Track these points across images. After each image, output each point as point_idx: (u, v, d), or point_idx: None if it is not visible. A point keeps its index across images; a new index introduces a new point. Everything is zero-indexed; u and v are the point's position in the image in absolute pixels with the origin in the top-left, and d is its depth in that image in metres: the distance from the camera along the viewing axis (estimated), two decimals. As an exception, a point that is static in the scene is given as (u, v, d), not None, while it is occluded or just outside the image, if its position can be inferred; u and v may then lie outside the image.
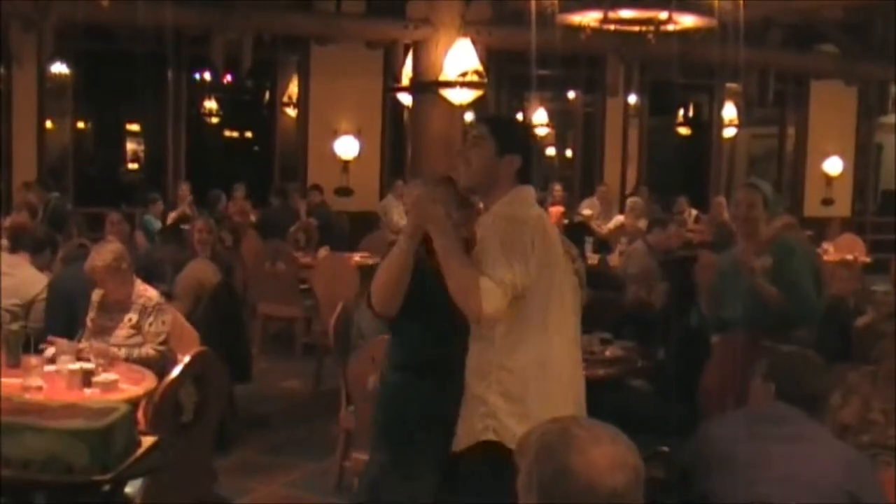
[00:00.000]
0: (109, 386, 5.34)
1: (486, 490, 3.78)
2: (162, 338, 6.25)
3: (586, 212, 14.67)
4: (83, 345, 5.91)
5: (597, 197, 15.58)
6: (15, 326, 6.12)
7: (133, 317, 6.27)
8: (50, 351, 5.84)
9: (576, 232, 11.99)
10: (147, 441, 4.31)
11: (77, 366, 5.45)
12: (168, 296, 6.93)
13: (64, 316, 6.66)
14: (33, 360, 5.75)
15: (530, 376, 3.85)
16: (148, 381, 5.59)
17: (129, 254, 6.55)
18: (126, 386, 5.46)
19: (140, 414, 5.19)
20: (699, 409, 5.66)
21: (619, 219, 13.16)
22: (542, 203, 15.18)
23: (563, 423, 2.30)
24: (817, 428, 3.64)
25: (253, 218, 14.01)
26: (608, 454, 2.20)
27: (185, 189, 14.13)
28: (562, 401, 3.85)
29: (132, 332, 6.24)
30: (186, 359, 5.59)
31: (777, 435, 3.58)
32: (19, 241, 7.44)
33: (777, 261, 5.65)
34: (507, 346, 3.86)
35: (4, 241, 7.71)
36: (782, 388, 3.74)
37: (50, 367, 5.66)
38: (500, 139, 4.00)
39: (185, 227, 10.24)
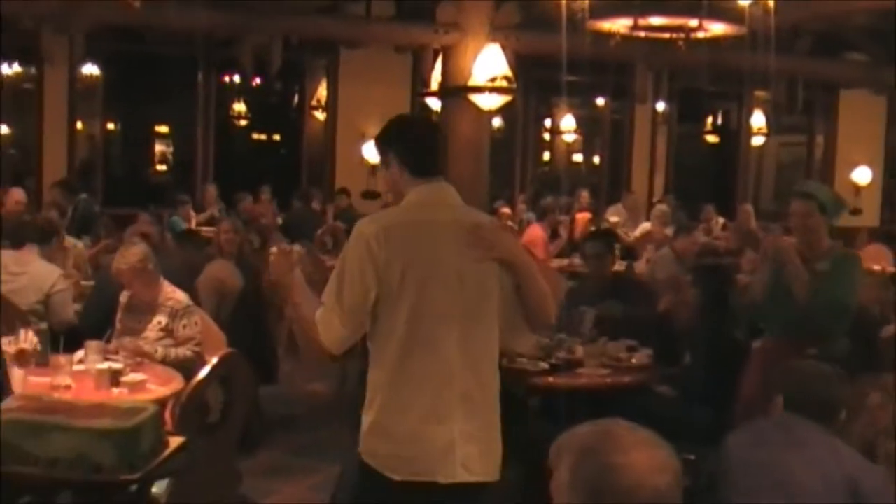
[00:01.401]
0: (137, 386, 5.37)
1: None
2: (196, 339, 6.28)
3: (613, 219, 14.66)
4: (112, 344, 5.94)
5: (623, 204, 15.57)
6: (43, 326, 6.16)
7: (162, 320, 6.29)
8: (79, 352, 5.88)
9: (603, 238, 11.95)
10: (174, 441, 4.34)
11: (105, 365, 5.48)
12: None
13: (99, 315, 6.70)
14: (62, 358, 5.78)
15: (379, 394, 3.66)
16: (175, 382, 5.62)
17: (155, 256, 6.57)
18: (153, 386, 5.48)
19: (167, 414, 5.21)
20: (731, 417, 5.64)
21: (645, 226, 13.13)
22: (569, 209, 15.28)
23: (604, 425, 2.29)
24: (823, 435, 3.65)
25: (279, 220, 14.06)
26: (651, 456, 2.20)
27: (211, 191, 14.19)
28: (423, 417, 3.58)
29: (161, 334, 6.27)
30: (213, 360, 5.62)
31: (783, 441, 3.59)
32: (24, 235, 7.43)
33: (834, 270, 5.61)
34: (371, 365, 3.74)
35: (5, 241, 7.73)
36: (790, 398, 3.75)
37: (79, 367, 5.69)
38: (380, 149, 3.87)
39: (211, 229, 10.28)
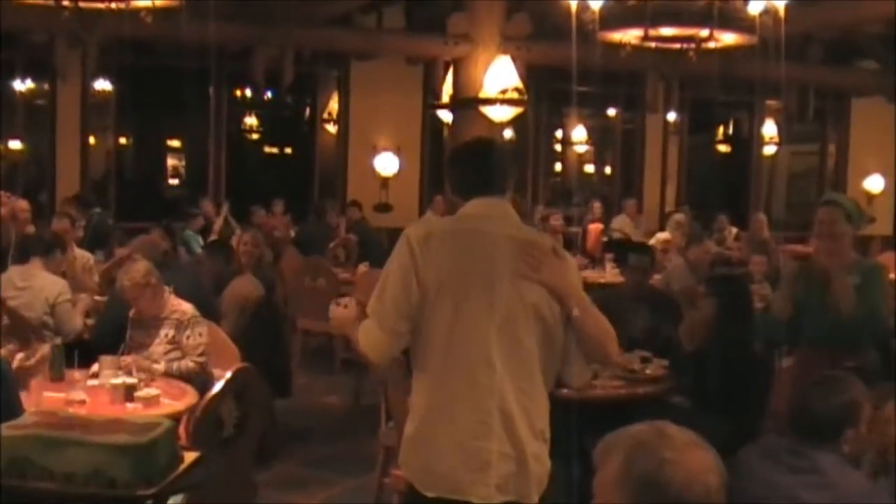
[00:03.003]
0: (151, 401, 5.38)
1: None
2: (201, 349, 6.28)
3: (626, 230, 14.67)
4: (126, 359, 5.95)
5: (626, 213, 15.60)
6: (57, 341, 6.18)
7: (169, 332, 6.31)
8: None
9: (618, 249, 11.96)
10: (190, 456, 4.34)
11: (120, 380, 5.50)
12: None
13: (112, 329, 6.72)
14: (76, 374, 5.81)
15: (418, 406, 3.64)
16: (189, 397, 5.63)
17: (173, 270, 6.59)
18: (168, 401, 5.49)
19: (181, 429, 5.22)
20: (747, 428, 5.63)
21: (659, 236, 13.12)
22: (581, 220, 15.28)
23: (655, 424, 2.29)
24: (832, 460, 3.63)
25: (292, 233, 14.08)
26: (701, 456, 2.20)
27: (207, 206, 14.21)
28: (460, 433, 3.53)
29: (169, 346, 6.28)
30: (228, 374, 5.64)
31: (791, 465, 3.58)
32: (28, 249, 7.49)
33: (865, 282, 5.61)
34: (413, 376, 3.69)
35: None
36: (794, 421, 3.75)
37: (93, 382, 5.71)
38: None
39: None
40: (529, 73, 13.10)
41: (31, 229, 9.39)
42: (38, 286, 7.24)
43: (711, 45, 9.56)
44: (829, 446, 3.65)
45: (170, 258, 9.22)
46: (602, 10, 9.19)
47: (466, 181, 3.73)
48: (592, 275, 11.04)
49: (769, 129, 18.97)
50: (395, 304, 3.53)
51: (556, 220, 13.49)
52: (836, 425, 3.73)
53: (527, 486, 3.57)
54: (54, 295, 7.20)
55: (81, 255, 9.30)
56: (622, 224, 15.31)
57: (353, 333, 3.83)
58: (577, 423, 4.53)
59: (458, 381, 3.52)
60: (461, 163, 3.83)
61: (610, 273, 11.15)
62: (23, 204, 10.51)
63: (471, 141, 4.18)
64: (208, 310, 6.98)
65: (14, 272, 7.35)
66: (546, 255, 3.62)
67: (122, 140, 17.40)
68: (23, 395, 4.85)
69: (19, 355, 5.73)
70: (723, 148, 22.12)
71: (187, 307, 6.43)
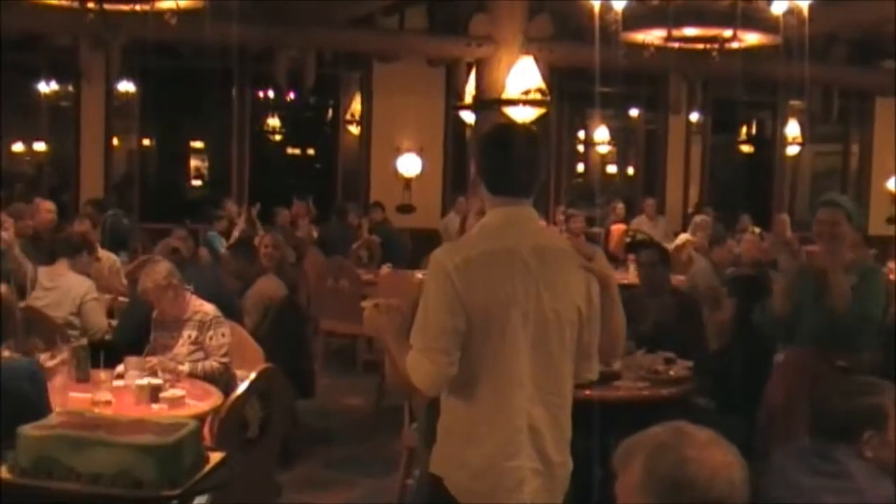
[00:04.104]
0: (176, 401, 5.40)
1: None
2: (224, 350, 6.29)
3: (644, 230, 14.65)
4: (151, 360, 5.98)
5: (644, 212, 15.58)
6: (83, 342, 6.21)
7: (192, 333, 6.32)
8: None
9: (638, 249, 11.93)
10: (215, 457, 4.36)
11: (145, 381, 5.52)
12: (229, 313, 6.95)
13: (135, 330, 6.75)
14: (102, 374, 5.83)
15: (454, 422, 3.58)
16: (214, 398, 5.65)
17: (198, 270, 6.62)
18: (192, 402, 5.51)
19: (206, 429, 5.24)
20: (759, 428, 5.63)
21: (683, 236, 13.09)
22: (603, 221, 15.26)
23: (674, 424, 2.29)
24: (857, 464, 3.61)
25: (315, 234, 14.10)
26: (723, 452, 2.21)
27: (230, 206, 14.25)
28: (495, 451, 3.49)
29: (192, 347, 6.29)
30: (252, 375, 5.66)
31: (817, 469, 3.57)
32: (55, 251, 7.56)
33: (862, 283, 5.61)
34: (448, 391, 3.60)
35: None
36: (815, 422, 3.73)
37: (118, 382, 5.73)
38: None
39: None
40: (552, 74, 13.09)
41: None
42: (65, 286, 7.29)
43: (735, 45, 9.55)
44: (852, 449, 3.63)
45: (191, 259, 9.25)
46: (625, 10, 9.19)
47: (498, 175, 3.59)
48: (615, 275, 11.00)
49: (792, 129, 18.89)
50: (446, 338, 3.44)
51: (578, 222, 13.45)
52: (857, 426, 3.71)
53: (555, 493, 3.59)
54: (81, 294, 7.27)
55: (107, 258, 9.36)
56: (640, 224, 15.29)
57: (388, 341, 3.73)
58: (598, 425, 4.53)
59: (490, 405, 3.49)
60: (498, 151, 3.65)
61: (633, 274, 11.12)
62: (48, 205, 10.59)
63: (510, 127, 4.07)
64: (231, 310, 7.00)
65: (41, 273, 7.41)
66: (572, 259, 3.59)
67: (146, 141, 17.47)
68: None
69: (44, 355, 5.76)
70: (746, 148, 22.04)
71: (209, 308, 6.44)
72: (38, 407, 4.57)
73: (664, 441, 2.24)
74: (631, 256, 11.90)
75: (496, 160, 3.61)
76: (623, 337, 3.77)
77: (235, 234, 12.66)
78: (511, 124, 4.00)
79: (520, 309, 3.46)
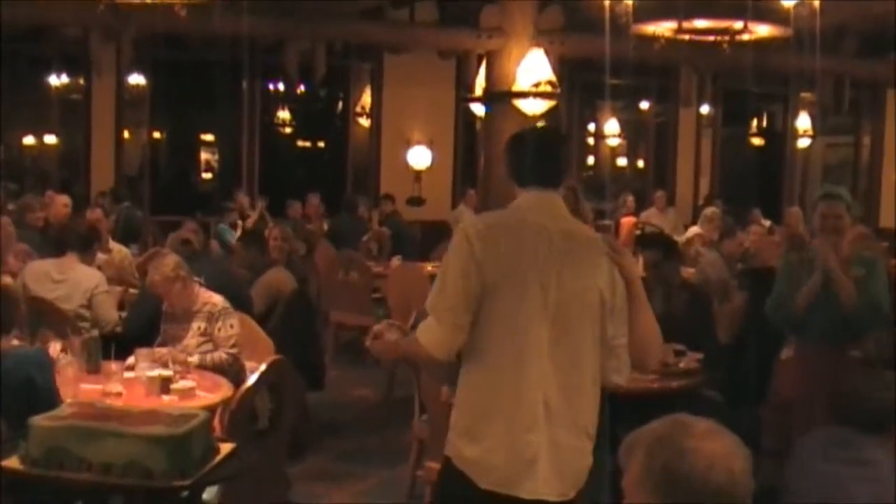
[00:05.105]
0: (187, 393, 5.41)
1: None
2: (233, 341, 6.30)
3: (654, 222, 14.63)
4: (162, 351, 5.99)
5: (655, 206, 15.56)
6: (94, 333, 6.23)
7: (201, 325, 6.33)
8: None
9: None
10: (225, 448, 4.37)
11: (156, 373, 5.53)
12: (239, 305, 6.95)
13: (145, 322, 6.77)
14: (113, 366, 5.85)
15: (468, 397, 3.62)
16: (224, 389, 5.66)
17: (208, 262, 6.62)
18: (203, 393, 5.52)
19: (216, 421, 5.26)
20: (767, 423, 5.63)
21: (693, 229, 13.07)
22: (614, 214, 15.23)
23: (673, 417, 2.27)
24: (882, 452, 3.61)
25: (325, 227, 14.11)
26: (723, 442, 2.19)
27: (242, 199, 14.27)
28: (510, 425, 3.52)
29: (202, 339, 6.31)
30: (262, 367, 5.66)
31: (842, 457, 3.56)
32: (65, 243, 7.57)
33: (869, 274, 5.61)
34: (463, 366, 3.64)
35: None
36: (840, 411, 3.72)
37: (129, 374, 5.75)
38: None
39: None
40: (562, 67, 13.06)
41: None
42: (75, 279, 7.31)
43: (745, 37, 9.52)
44: (879, 440, 3.63)
45: (202, 252, 9.26)
46: (635, 2, 9.17)
47: (526, 169, 3.70)
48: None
49: (803, 121, 18.84)
50: (457, 299, 3.51)
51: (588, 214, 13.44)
52: (886, 419, 3.72)
53: (566, 483, 3.55)
54: (91, 287, 7.29)
55: (119, 250, 9.39)
56: (651, 216, 15.27)
57: (403, 351, 3.88)
58: (609, 416, 4.53)
59: (509, 375, 3.50)
60: (525, 149, 3.78)
61: (643, 266, 11.10)
62: (63, 198, 10.62)
63: (539, 128, 4.19)
64: (241, 302, 7.01)
65: (51, 265, 7.43)
66: (600, 248, 3.60)
67: (156, 134, 17.48)
68: (59, 387, 4.89)
69: (55, 347, 5.78)
70: (756, 141, 21.99)
71: (218, 299, 6.45)
72: (47, 393, 4.60)
73: (662, 434, 2.22)
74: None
75: (523, 159, 3.74)
76: (656, 342, 3.72)
77: (247, 225, 12.69)
78: (536, 126, 4.15)
79: (538, 280, 3.50)
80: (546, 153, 3.75)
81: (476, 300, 3.50)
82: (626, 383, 3.72)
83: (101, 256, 8.63)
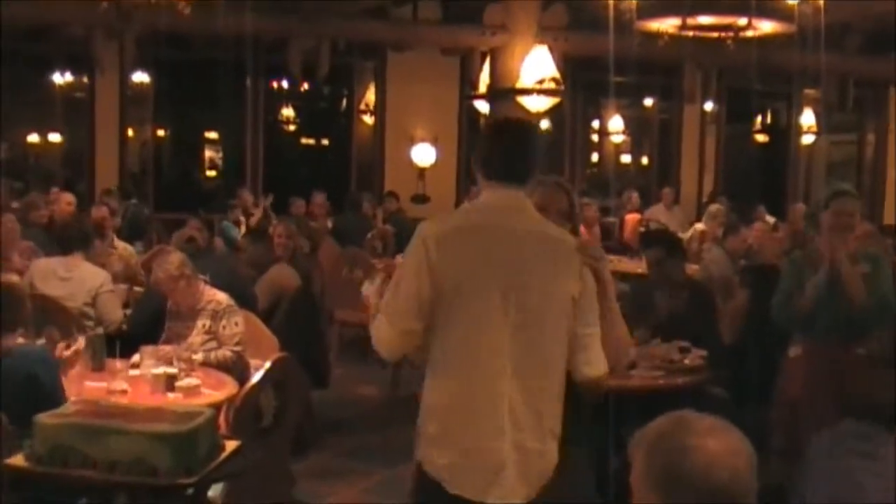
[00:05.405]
0: (192, 391, 5.41)
1: None
2: (237, 338, 6.30)
3: (660, 219, 14.62)
4: (166, 349, 5.99)
5: (662, 202, 15.55)
6: (99, 331, 6.23)
7: (206, 322, 6.33)
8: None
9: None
10: (230, 445, 4.38)
11: (161, 370, 5.53)
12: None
13: (150, 319, 6.77)
14: (118, 363, 5.85)
15: (435, 404, 3.56)
16: (229, 387, 5.66)
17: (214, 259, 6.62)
18: (208, 391, 5.52)
19: (221, 418, 5.26)
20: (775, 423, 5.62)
21: (697, 226, 13.08)
22: (619, 211, 15.24)
23: (676, 414, 2.25)
24: (890, 445, 3.60)
25: (329, 224, 14.10)
26: (726, 440, 2.16)
27: (246, 196, 14.26)
28: (476, 431, 3.47)
29: (206, 337, 6.31)
30: (267, 364, 5.67)
31: (855, 452, 3.56)
32: (69, 242, 7.57)
33: (875, 270, 5.60)
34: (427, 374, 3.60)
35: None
36: (853, 405, 3.71)
37: (134, 372, 5.75)
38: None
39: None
40: (566, 64, 13.07)
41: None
42: (79, 277, 7.32)
43: (749, 34, 9.52)
44: (892, 436, 3.62)
45: (207, 249, 9.26)
46: (639, -1, 9.18)
47: (492, 162, 3.59)
48: (630, 265, 10.99)
49: (807, 118, 18.82)
50: (408, 303, 3.45)
51: (592, 211, 13.41)
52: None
53: (529, 485, 3.49)
54: (97, 285, 7.28)
55: (124, 248, 9.39)
56: (657, 213, 15.26)
57: None
58: (614, 415, 4.52)
59: (473, 382, 3.45)
60: (492, 140, 3.69)
61: (647, 263, 11.09)
62: (68, 196, 10.63)
63: (508, 120, 4.10)
64: (245, 299, 7.01)
65: (57, 263, 7.44)
66: (569, 249, 3.55)
67: (160, 132, 17.48)
68: (64, 385, 4.89)
69: (60, 345, 5.78)
70: (761, 138, 21.96)
71: (222, 297, 6.44)
72: (52, 391, 4.61)
73: (664, 431, 2.20)
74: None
75: (492, 149, 3.62)
76: (622, 345, 3.73)
77: (251, 223, 12.69)
78: (509, 117, 4.04)
79: (501, 285, 3.42)
80: (514, 146, 3.61)
81: (429, 306, 3.43)
82: (599, 374, 3.61)
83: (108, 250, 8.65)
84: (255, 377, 5.65)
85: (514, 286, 3.43)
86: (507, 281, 3.43)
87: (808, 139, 19.24)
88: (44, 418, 4.10)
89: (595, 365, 3.58)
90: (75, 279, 7.29)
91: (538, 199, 3.80)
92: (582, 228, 12.67)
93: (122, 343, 6.12)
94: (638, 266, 11.15)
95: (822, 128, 19.06)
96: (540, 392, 3.49)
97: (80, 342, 5.85)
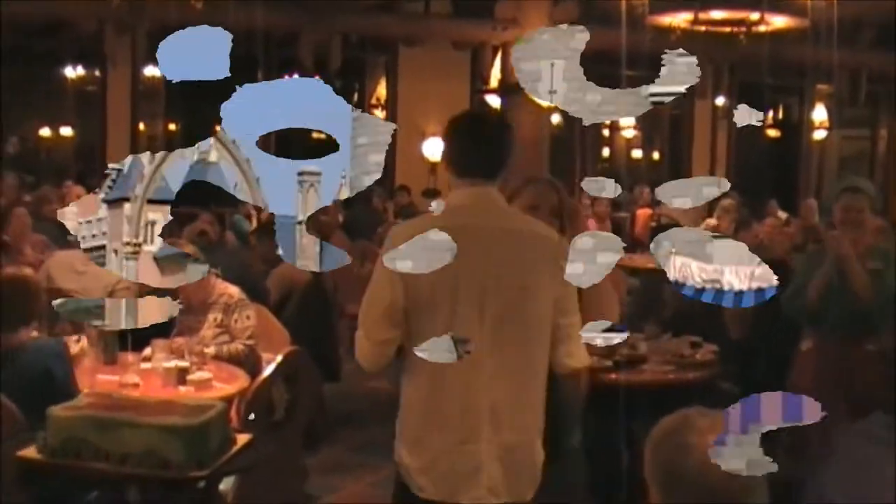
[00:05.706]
0: (203, 384, 5.42)
1: None
2: (249, 332, 6.30)
3: (672, 213, 14.59)
4: (178, 342, 6.00)
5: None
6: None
7: (218, 316, 6.33)
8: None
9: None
10: (242, 439, 4.39)
11: (172, 364, 5.54)
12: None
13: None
14: (130, 357, 5.86)
15: (410, 407, 3.53)
16: (241, 380, 5.67)
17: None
18: (219, 384, 5.53)
19: (233, 412, 5.27)
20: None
21: (709, 222, 13.06)
22: (630, 206, 15.22)
23: (684, 411, 2.24)
24: None
25: (340, 218, 14.11)
26: None
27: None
28: (452, 434, 3.42)
29: (218, 330, 6.31)
30: (279, 358, 5.67)
31: (887, 440, 3.56)
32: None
33: (887, 267, 5.58)
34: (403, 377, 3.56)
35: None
36: (869, 396, 3.72)
37: (146, 365, 5.76)
38: None
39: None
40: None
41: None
42: (95, 271, 7.31)
43: (762, 28, 9.51)
44: None
45: (218, 243, 9.27)
46: (651, -6, 9.17)
47: (458, 157, 3.53)
48: (640, 259, 10.97)
49: (819, 113, 18.80)
50: (382, 314, 3.40)
51: (603, 205, 13.40)
52: None
53: (519, 486, 3.47)
54: (112, 282, 7.27)
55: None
56: (668, 208, 15.22)
57: None
58: (624, 410, 4.51)
59: (448, 385, 3.40)
60: (458, 135, 3.60)
61: (655, 258, 11.07)
62: (80, 190, 10.66)
63: (473, 114, 4.02)
64: (257, 293, 7.02)
65: (75, 256, 7.43)
66: (544, 242, 3.49)
67: (172, 126, 17.51)
68: (77, 378, 4.91)
69: (72, 338, 5.79)
70: (772, 133, 21.91)
71: (234, 290, 6.45)
72: (65, 384, 4.62)
73: (668, 429, 2.19)
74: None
75: (461, 144, 3.56)
76: (612, 307, 3.72)
77: (262, 217, 12.69)
78: (474, 112, 3.98)
79: (475, 287, 3.36)
80: (480, 141, 3.54)
81: (402, 314, 3.39)
82: (583, 364, 3.58)
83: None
84: (267, 371, 5.66)
85: (489, 285, 3.38)
86: (480, 281, 3.37)
87: (820, 134, 19.21)
88: (57, 410, 4.11)
89: (577, 356, 3.54)
90: (91, 274, 7.29)
91: (530, 198, 3.79)
92: (593, 222, 12.74)
93: (134, 336, 6.13)
94: (649, 261, 11.14)
95: (835, 123, 19.03)
96: (523, 387, 3.46)
97: (86, 338, 5.86)
